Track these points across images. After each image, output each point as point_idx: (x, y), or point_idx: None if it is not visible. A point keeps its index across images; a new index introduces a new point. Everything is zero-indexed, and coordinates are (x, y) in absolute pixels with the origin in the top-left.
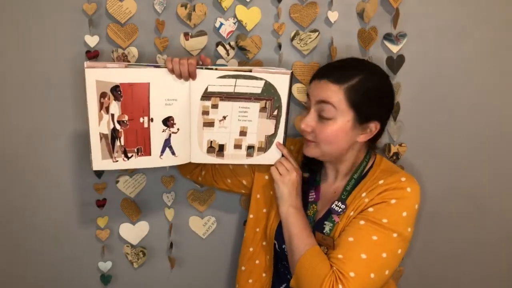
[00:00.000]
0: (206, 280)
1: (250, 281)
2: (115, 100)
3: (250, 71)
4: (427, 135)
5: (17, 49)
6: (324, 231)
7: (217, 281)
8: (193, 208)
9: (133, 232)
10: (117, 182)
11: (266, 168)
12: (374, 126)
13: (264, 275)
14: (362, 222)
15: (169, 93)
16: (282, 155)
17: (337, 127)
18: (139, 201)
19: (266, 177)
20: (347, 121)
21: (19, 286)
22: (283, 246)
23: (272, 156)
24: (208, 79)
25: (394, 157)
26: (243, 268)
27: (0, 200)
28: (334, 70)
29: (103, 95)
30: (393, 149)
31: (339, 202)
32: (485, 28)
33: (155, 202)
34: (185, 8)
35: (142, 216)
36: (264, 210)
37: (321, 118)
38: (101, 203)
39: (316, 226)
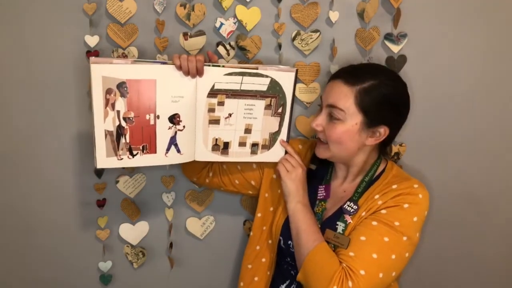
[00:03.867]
0: (206, 280)
1: (256, 279)
2: (121, 96)
3: (257, 68)
4: (428, 135)
5: (17, 49)
6: (337, 231)
7: (217, 281)
8: (191, 208)
9: (133, 232)
10: (117, 182)
11: (275, 166)
12: (383, 131)
13: (268, 273)
14: (374, 223)
15: (175, 90)
16: (286, 152)
17: (344, 129)
18: (139, 201)
19: (274, 176)
20: (355, 124)
21: (19, 285)
22: (289, 242)
23: (275, 153)
24: (215, 76)
25: (395, 157)
26: (249, 266)
27: (0, 200)
28: (349, 71)
29: (109, 91)
30: (394, 149)
31: (351, 203)
32: (485, 28)
33: (155, 202)
34: (184, 8)
35: (142, 216)
36: (271, 209)
37: (331, 118)
38: (101, 203)
39: (325, 224)
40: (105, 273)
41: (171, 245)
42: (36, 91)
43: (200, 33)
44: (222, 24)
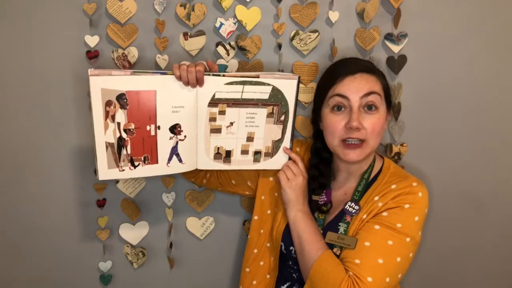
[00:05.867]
0: (206, 280)
1: (254, 282)
2: (121, 108)
3: (258, 77)
4: (428, 135)
5: (17, 49)
6: (339, 232)
7: (217, 282)
8: (191, 208)
9: (133, 232)
10: (117, 182)
11: (271, 170)
12: (390, 114)
13: (268, 276)
14: (377, 227)
15: (176, 100)
16: (289, 159)
17: (383, 116)
18: (139, 201)
19: (271, 178)
20: (385, 108)
21: (19, 286)
22: (291, 248)
23: (279, 161)
24: (215, 85)
25: (396, 157)
26: (247, 269)
27: (0, 200)
28: (360, 63)
29: (108, 103)
30: (395, 149)
31: (352, 203)
32: (485, 28)
33: (155, 202)
34: (184, 8)
35: (142, 216)
36: (269, 212)
37: (367, 111)
38: (101, 203)
39: (327, 228)
40: (105, 273)
41: (171, 245)
42: (36, 91)
43: (200, 33)
44: (222, 24)
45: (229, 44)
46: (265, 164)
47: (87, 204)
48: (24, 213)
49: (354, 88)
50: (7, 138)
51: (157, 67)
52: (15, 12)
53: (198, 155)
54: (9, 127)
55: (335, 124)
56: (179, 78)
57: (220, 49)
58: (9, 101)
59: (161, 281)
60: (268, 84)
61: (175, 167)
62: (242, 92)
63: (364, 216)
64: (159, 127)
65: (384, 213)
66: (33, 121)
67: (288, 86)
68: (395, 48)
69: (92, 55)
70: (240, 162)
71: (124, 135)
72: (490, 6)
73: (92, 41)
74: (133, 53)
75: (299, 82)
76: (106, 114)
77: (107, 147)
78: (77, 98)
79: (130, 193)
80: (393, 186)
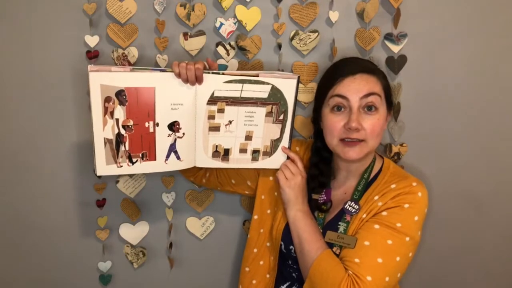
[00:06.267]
0: (206, 280)
1: (254, 282)
2: (120, 104)
3: (257, 75)
4: (428, 135)
5: (17, 49)
6: (339, 232)
7: (217, 281)
8: (191, 208)
9: (133, 232)
10: (117, 182)
11: (271, 169)
12: (390, 114)
13: (268, 275)
14: (377, 226)
15: (175, 98)
16: (288, 158)
17: (382, 117)
18: (139, 201)
19: (271, 178)
20: (385, 109)
21: (19, 286)
22: (290, 247)
23: (277, 160)
24: (214, 83)
25: (395, 157)
26: (246, 269)
27: (0, 200)
28: (361, 63)
29: (107, 99)
30: (394, 149)
31: (352, 202)
32: (485, 28)
33: (155, 202)
34: (184, 8)
35: (142, 216)
36: (268, 211)
37: (366, 112)
38: (101, 203)
39: (327, 227)
40: (104, 273)
41: (171, 245)
42: (36, 91)
43: (200, 33)
44: (222, 24)
45: (229, 44)
46: (264, 163)
47: (87, 204)
48: (24, 213)
49: (354, 89)
50: (7, 138)
51: (157, 67)
52: (15, 12)
53: (196, 153)
54: (9, 127)
55: (334, 124)
56: (178, 75)
57: (220, 49)
58: (9, 101)
59: (161, 281)
60: (268, 83)
61: (173, 164)
62: (241, 90)
63: (364, 216)
64: (157, 124)
65: (384, 213)
66: (33, 121)
67: (287, 86)
68: (395, 48)
69: (92, 55)
70: (239, 161)
71: (122, 131)
72: (490, 6)
73: (92, 41)
74: (133, 53)
75: (298, 81)
76: (105, 110)
77: (105, 143)
78: (77, 98)
79: (130, 193)
80: (393, 186)
